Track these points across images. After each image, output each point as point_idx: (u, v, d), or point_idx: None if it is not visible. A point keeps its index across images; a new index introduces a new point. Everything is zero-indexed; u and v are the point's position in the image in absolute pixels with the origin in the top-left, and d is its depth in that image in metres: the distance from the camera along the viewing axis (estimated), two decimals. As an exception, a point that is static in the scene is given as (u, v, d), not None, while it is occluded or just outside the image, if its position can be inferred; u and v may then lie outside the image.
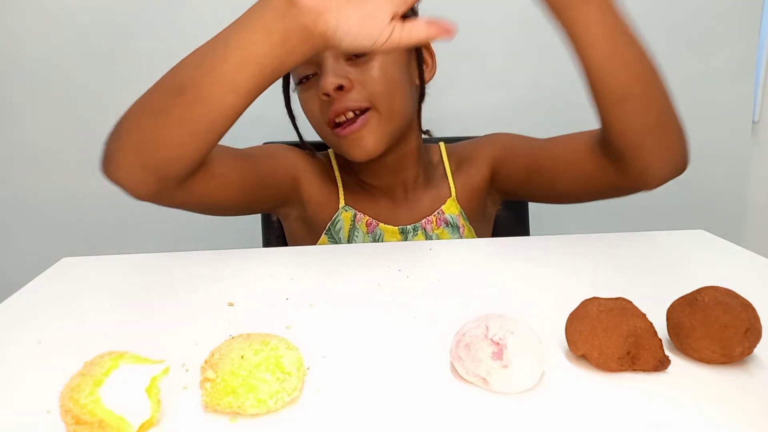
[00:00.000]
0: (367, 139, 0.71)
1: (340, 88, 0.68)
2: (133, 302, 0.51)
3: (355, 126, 0.70)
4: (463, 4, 1.18)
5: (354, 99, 0.70)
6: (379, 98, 0.71)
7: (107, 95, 1.10)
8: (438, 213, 0.79)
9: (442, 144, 0.87)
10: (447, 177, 0.83)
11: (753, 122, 1.25)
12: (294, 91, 0.80)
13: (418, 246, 0.64)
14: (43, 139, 1.12)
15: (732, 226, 1.29)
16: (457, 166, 0.84)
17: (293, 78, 0.76)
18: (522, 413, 0.33)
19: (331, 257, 0.62)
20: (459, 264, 0.58)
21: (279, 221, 0.94)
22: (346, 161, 0.81)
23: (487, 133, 1.01)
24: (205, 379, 0.33)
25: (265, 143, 0.96)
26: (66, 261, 0.61)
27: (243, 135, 1.12)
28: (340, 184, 0.81)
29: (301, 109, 0.78)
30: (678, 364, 0.37)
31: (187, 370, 0.38)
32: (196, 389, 0.35)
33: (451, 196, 0.81)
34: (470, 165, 0.83)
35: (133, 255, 0.62)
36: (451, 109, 1.23)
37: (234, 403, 0.32)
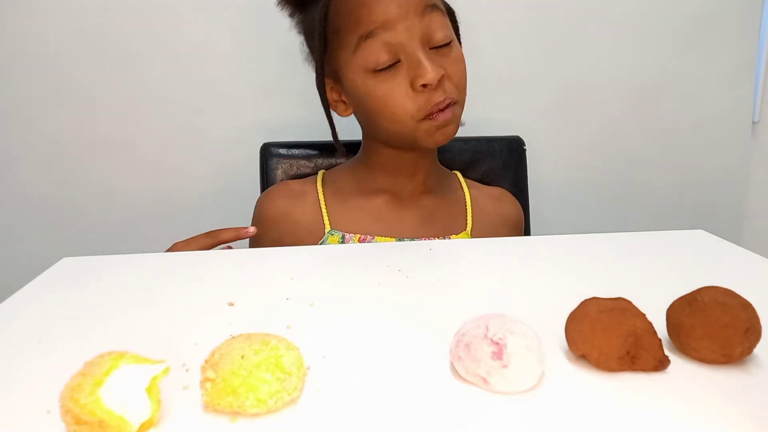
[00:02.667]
0: (452, 126, 0.72)
1: (441, 78, 0.68)
2: (133, 302, 0.51)
3: (447, 112, 0.70)
4: (462, 4, 1.18)
5: (446, 90, 0.69)
6: (461, 90, 0.72)
7: (107, 95, 1.10)
8: (446, 238, 0.78)
9: (459, 175, 0.88)
10: (466, 213, 0.82)
11: (753, 122, 1.25)
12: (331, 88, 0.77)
13: (418, 246, 0.64)
14: (43, 139, 1.12)
15: (732, 226, 1.29)
16: (478, 213, 0.82)
17: (365, 63, 0.69)
18: (522, 413, 0.33)
19: (331, 257, 0.62)
20: (459, 264, 0.58)
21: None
22: (336, 189, 0.81)
23: (484, 134, 1.02)
24: (206, 379, 0.33)
25: (264, 144, 0.96)
26: (66, 261, 0.61)
27: (243, 136, 1.12)
28: (324, 212, 0.79)
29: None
30: (678, 364, 0.37)
31: (187, 370, 0.38)
32: (196, 389, 0.35)
33: (465, 230, 0.80)
34: (489, 220, 0.83)
35: (133, 255, 0.62)
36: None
37: (234, 403, 0.32)
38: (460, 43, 0.77)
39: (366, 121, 0.77)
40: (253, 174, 0.99)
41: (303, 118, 1.10)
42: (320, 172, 0.86)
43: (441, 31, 0.69)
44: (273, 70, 1.11)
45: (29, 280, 0.56)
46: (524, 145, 1.00)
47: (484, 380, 0.35)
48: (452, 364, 0.37)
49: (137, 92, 1.11)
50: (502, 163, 0.97)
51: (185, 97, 1.11)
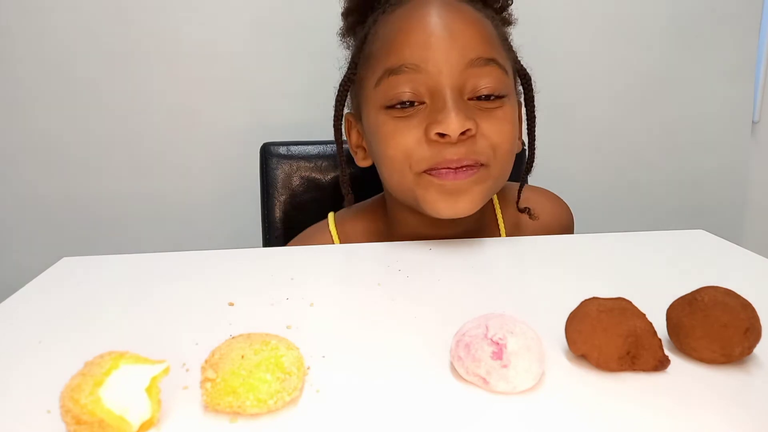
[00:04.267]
0: (467, 198, 0.57)
1: (465, 132, 0.55)
2: (133, 302, 0.51)
3: (462, 174, 0.56)
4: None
5: (475, 151, 0.56)
6: (499, 156, 0.58)
7: (108, 96, 1.10)
8: None
9: (497, 204, 0.72)
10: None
11: (753, 122, 1.25)
12: (348, 109, 0.66)
13: (418, 246, 0.64)
14: (43, 139, 1.12)
15: (732, 226, 1.29)
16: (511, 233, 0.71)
17: (383, 99, 0.58)
18: (522, 413, 0.33)
19: (331, 257, 0.62)
20: (459, 264, 0.58)
21: (279, 221, 0.94)
22: (350, 231, 0.68)
23: None
24: (206, 379, 0.33)
25: (264, 144, 0.96)
26: (66, 261, 0.61)
27: (243, 136, 1.12)
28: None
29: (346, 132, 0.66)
30: (678, 364, 0.37)
31: (187, 370, 0.38)
32: (196, 389, 0.35)
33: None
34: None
35: (133, 255, 0.62)
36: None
37: (234, 403, 0.32)
38: (532, 113, 0.64)
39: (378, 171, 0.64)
40: (253, 174, 0.99)
41: (303, 118, 1.10)
42: (330, 216, 0.73)
43: (491, 81, 0.57)
44: (273, 70, 1.11)
45: (29, 280, 0.56)
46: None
47: (484, 380, 0.35)
48: (452, 364, 0.37)
49: (137, 92, 1.11)
50: (502, 163, 0.97)
51: (185, 97, 1.11)
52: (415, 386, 0.36)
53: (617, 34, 1.15)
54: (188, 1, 1.07)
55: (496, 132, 0.58)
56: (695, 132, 1.23)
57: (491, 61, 0.58)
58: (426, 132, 0.56)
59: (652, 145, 1.22)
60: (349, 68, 0.64)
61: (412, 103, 0.58)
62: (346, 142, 0.70)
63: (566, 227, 0.76)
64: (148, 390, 0.32)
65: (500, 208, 0.72)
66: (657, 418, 0.32)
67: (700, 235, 0.66)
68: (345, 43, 0.69)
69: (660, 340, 0.36)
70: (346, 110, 0.68)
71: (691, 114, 1.22)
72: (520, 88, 0.67)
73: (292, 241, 0.75)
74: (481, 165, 0.58)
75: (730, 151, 1.25)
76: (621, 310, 0.37)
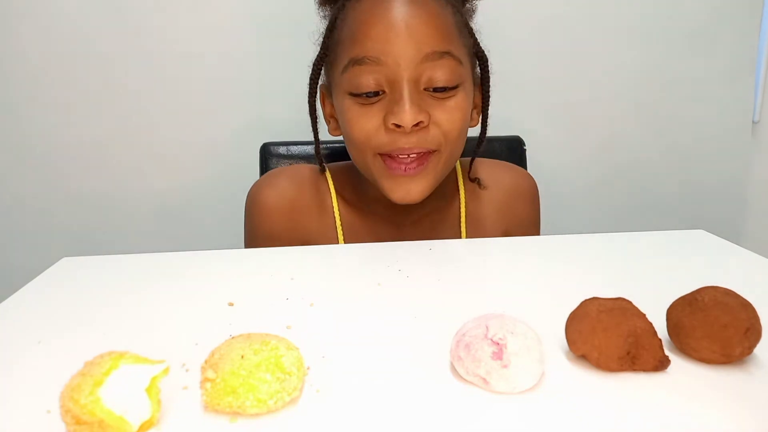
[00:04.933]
0: (418, 186, 0.65)
1: (418, 124, 0.62)
2: (134, 302, 0.51)
3: (411, 170, 0.64)
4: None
5: (426, 140, 0.64)
6: (449, 141, 0.65)
7: (108, 96, 1.10)
8: None
9: (459, 175, 0.78)
10: (460, 224, 0.76)
11: (753, 122, 1.25)
12: (321, 89, 0.72)
13: (418, 246, 0.64)
14: (43, 140, 1.12)
15: (732, 226, 1.29)
16: (472, 212, 0.77)
17: (348, 86, 0.65)
18: (522, 413, 0.33)
19: (331, 257, 0.62)
20: (459, 264, 0.58)
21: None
22: (346, 186, 0.75)
23: (487, 134, 0.99)
24: (205, 379, 0.33)
25: (264, 143, 0.96)
26: (66, 261, 0.61)
27: (243, 136, 1.12)
28: (339, 224, 0.75)
29: (323, 111, 0.71)
30: (678, 364, 0.37)
31: (187, 370, 0.38)
32: (196, 389, 0.35)
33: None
34: (485, 221, 0.77)
35: (133, 255, 0.62)
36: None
37: (234, 403, 0.32)
38: (487, 92, 0.71)
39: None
40: (253, 174, 0.99)
41: (303, 118, 1.09)
42: (329, 175, 0.79)
43: (444, 74, 0.63)
44: (273, 71, 1.11)
45: (29, 280, 0.56)
46: (524, 145, 1.00)
47: (484, 380, 0.35)
48: (452, 364, 0.37)
49: (137, 93, 1.11)
50: (502, 163, 0.97)
51: (185, 97, 1.11)
52: (415, 386, 0.36)
53: (618, 35, 1.15)
54: (189, 2, 1.07)
55: (448, 121, 0.64)
56: (695, 132, 1.23)
57: (446, 54, 0.63)
58: (384, 120, 0.63)
59: (652, 146, 1.22)
60: (321, 49, 0.69)
61: (375, 93, 0.64)
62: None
63: (524, 194, 0.80)
64: (148, 390, 0.32)
65: (462, 179, 0.79)
66: (657, 418, 0.32)
67: (700, 235, 0.66)
68: (322, 12, 0.73)
69: (660, 340, 0.36)
70: (321, 82, 0.73)
71: (691, 114, 1.22)
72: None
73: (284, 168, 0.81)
74: (433, 151, 0.65)
75: (730, 151, 1.25)
76: (621, 310, 0.37)
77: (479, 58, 0.70)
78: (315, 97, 0.71)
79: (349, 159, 0.72)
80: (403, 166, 0.65)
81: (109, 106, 1.11)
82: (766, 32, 1.20)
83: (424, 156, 0.65)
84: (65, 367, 0.35)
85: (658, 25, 1.16)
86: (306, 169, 0.79)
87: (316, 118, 0.73)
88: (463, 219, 0.77)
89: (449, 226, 0.77)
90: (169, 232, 1.18)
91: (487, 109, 0.73)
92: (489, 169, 0.80)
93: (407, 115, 0.61)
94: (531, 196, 0.81)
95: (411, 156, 0.65)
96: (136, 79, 1.10)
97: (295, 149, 0.95)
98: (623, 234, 0.67)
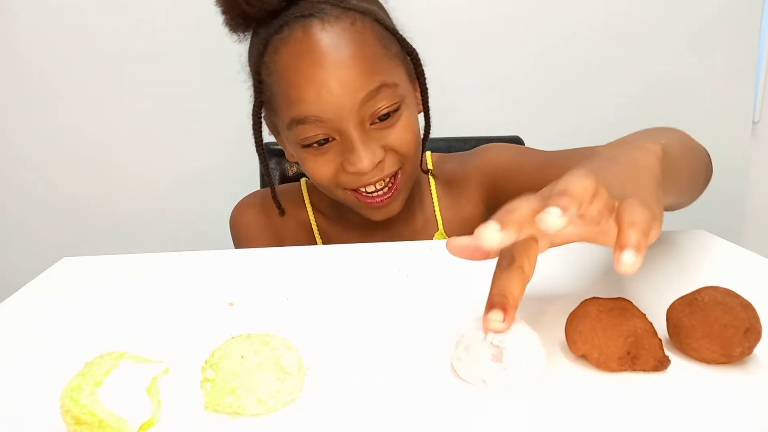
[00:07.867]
0: (393, 205, 0.68)
1: (378, 164, 0.64)
2: (133, 302, 0.51)
3: (387, 197, 0.66)
4: (463, 4, 1.18)
5: (387, 168, 0.65)
6: (408, 158, 0.67)
7: (108, 96, 1.10)
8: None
9: (428, 156, 0.80)
10: (434, 208, 0.77)
11: (753, 122, 1.26)
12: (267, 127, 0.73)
13: (418, 246, 0.64)
14: (43, 139, 1.12)
15: (732, 226, 1.29)
16: (445, 192, 0.78)
17: (297, 140, 0.65)
18: (522, 413, 0.33)
19: (331, 257, 0.62)
20: (459, 264, 0.58)
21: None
22: (322, 199, 0.77)
23: (484, 134, 0.99)
24: (206, 379, 0.33)
25: (264, 143, 0.96)
26: (66, 261, 0.61)
27: (243, 136, 1.12)
28: (316, 232, 0.77)
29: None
30: (678, 364, 0.37)
31: (187, 371, 0.38)
32: (196, 389, 0.35)
33: (438, 230, 0.76)
34: (460, 194, 0.76)
35: (133, 255, 0.62)
36: (452, 107, 1.23)
37: (234, 403, 0.32)
38: (423, 85, 0.70)
39: None
40: (253, 174, 0.99)
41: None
42: (303, 186, 0.82)
43: (385, 103, 0.63)
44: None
45: (29, 280, 0.56)
46: (524, 144, 1.00)
47: (484, 381, 0.35)
48: (452, 365, 0.37)
49: (137, 93, 1.11)
50: (502, 163, 0.97)
51: (185, 97, 1.11)
52: (415, 386, 0.36)
53: (618, 36, 1.15)
54: (189, 2, 1.07)
55: (402, 143, 0.65)
56: (695, 132, 1.22)
57: (380, 87, 0.63)
58: (343, 166, 0.64)
59: (652, 145, 1.22)
60: (255, 98, 0.69)
61: (326, 139, 0.64)
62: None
63: (485, 153, 0.77)
64: (148, 390, 0.32)
65: (433, 177, 0.80)
66: (657, 418, 0.32)
67: (700, 235, 0.66)
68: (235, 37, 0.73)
69: (660, 340, 0.36)
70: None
71: (691, 114, 1.22)
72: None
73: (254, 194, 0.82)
74: (397, 172, 0.67)
75: (730, 151, 1.25)
76: (621, 310, 0.37)
77: (408, 53, 0.69)
78: (262, 146, 0.73)
79: None
80: (377, 199, 0.67)
81: (109, 107, 1.11)
82: (766, 32, 1.20)
83: (392, 180, 0.67)
84: (65, 367, 0.35)
85: (658, 25, 1.16)
86: (280, 188, 0.81)
87: (267, 165, 0.74)
88: (436, 204, 0.77)
89: (425, 218, 0.77)
90: (169, 232, 1.18)
91: (428, 102, 0.72)
92: (456, 157, 0.80)
93: (364, 162, 0.62)
94: (491, 150, 0.77)
95: (378, 188, 0.66)
96: (136, 79, 1.10)
97: (295, 149, 0.95)
98: (623, 234, 0.67)
